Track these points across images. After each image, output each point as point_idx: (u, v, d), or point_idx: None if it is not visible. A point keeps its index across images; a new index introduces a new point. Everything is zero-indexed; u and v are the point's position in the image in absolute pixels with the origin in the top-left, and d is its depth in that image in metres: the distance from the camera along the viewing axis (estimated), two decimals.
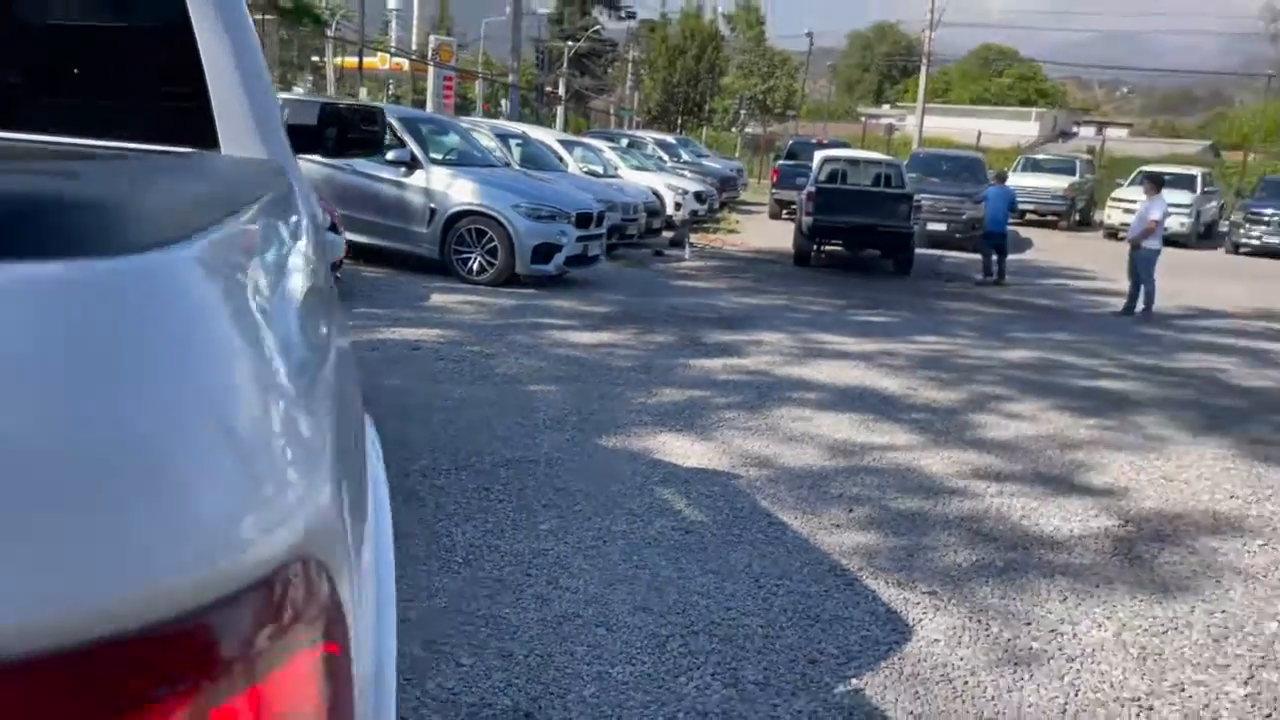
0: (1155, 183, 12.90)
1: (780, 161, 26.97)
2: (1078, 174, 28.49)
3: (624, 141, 25.57)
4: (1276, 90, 54.59)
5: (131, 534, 0.44)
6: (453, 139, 12.52)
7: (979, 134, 38.19)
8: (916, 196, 15.73)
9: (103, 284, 0.53)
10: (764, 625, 3.44)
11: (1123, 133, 60.98)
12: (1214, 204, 27.50)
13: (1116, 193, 25.91)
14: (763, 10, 64.59)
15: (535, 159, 15.45)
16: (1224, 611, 3.89)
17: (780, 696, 3.00)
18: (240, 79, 2.03)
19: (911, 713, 2.98)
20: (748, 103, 60.42)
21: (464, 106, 42.22)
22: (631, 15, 50.50)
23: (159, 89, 2.04)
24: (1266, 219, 23.61)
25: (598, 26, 59.67)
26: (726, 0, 60.29)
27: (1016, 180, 23.22)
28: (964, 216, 19.12)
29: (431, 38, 62.01)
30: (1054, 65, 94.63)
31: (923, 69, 40.02)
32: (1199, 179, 25.73)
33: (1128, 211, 23.30)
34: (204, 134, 1.98)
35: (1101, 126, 61.17)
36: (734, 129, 56.51)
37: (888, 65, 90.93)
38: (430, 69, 64.22)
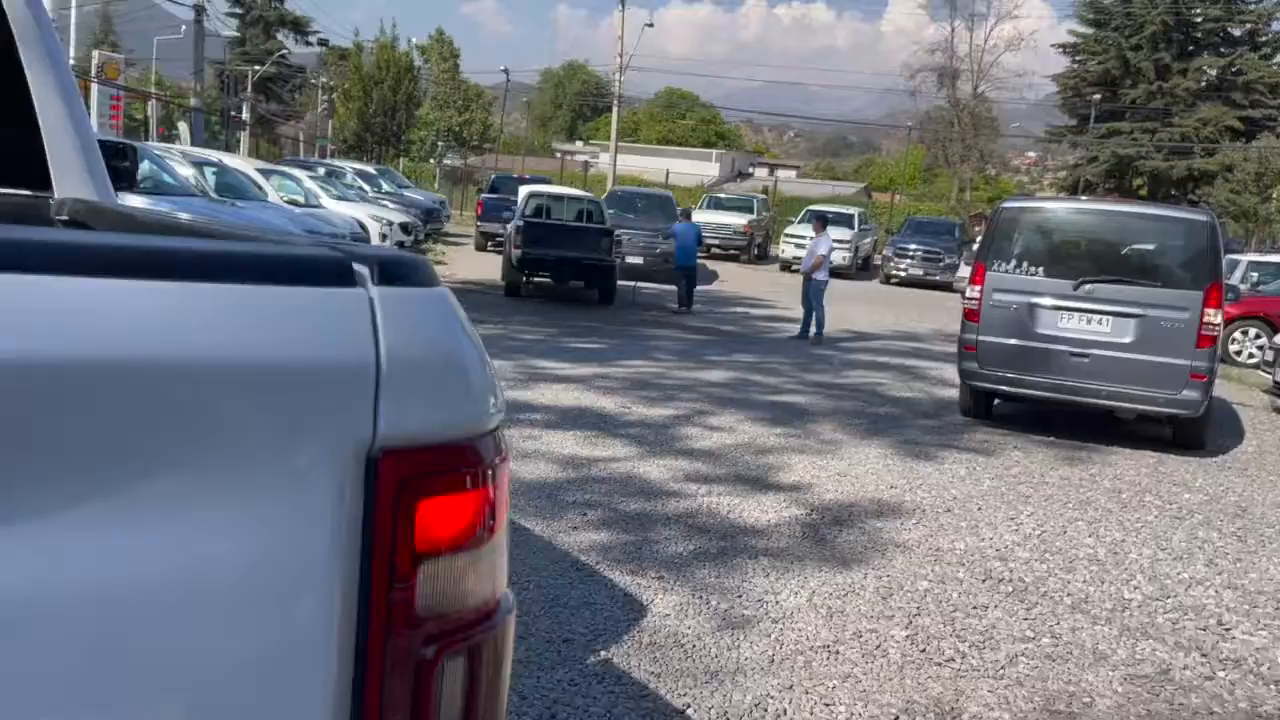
0: (822, 221, 14.61)
1: (484, 195, 27.43)
2: (755, 212, 31.07)
3: (321, 170, 25.09)
4: (916, 140, 62.10)
5: (477, 402, 0.86)
6: (145, 166, 11.96)
7: (667, 172, 40.68)
8: (616, 231, 16.75)
9: (448, 298, 0.93)
10: (520, 615, 3.86)
11: (791, 174, 66.93)
12: (869, 240, 31.02)
13: (789, 229, 28.55)
14: (456, 44, 65.18)
15: (233, 188, 14.96)
16: (888, 576, 4.76)
17: (542, 670, 3.43)
18: (70, 120, 2.20)
19: (652, 673, 3.51)
20: (444, 135, 60.61)
21: (132, 129, 39.29)
22: (324, 42, 49.20)
23: None
24: (910, 254, 27.04)
25: (284, 51, 57.60)
26: (420, 31, 59.96)
27: (701, 217, 25.09)
28: (658, 250, 20.45)
29: (95, 53, 57.15)
30: (730, 110, 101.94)
31: (614, 110, 42.09)
32: (856, 218, 28.98)
33: (799, 246, 25.83)
34: (37, 175, 2.14)
35: (773, 168, 66.86)
36: (432, 160, 56.45)
37: (579, 103, 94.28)
38: (94, 87, 59.07)
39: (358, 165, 31.14)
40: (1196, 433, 8.30)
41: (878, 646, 3.95)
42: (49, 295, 0.64)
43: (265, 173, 18.17)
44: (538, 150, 70.81)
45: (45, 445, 0.63)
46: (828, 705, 3.43)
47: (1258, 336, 15.43)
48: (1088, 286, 8.08)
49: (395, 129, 41.96)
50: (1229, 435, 9.28)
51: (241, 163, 18.46)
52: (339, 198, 21.08)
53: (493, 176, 31.48)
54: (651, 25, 40.26)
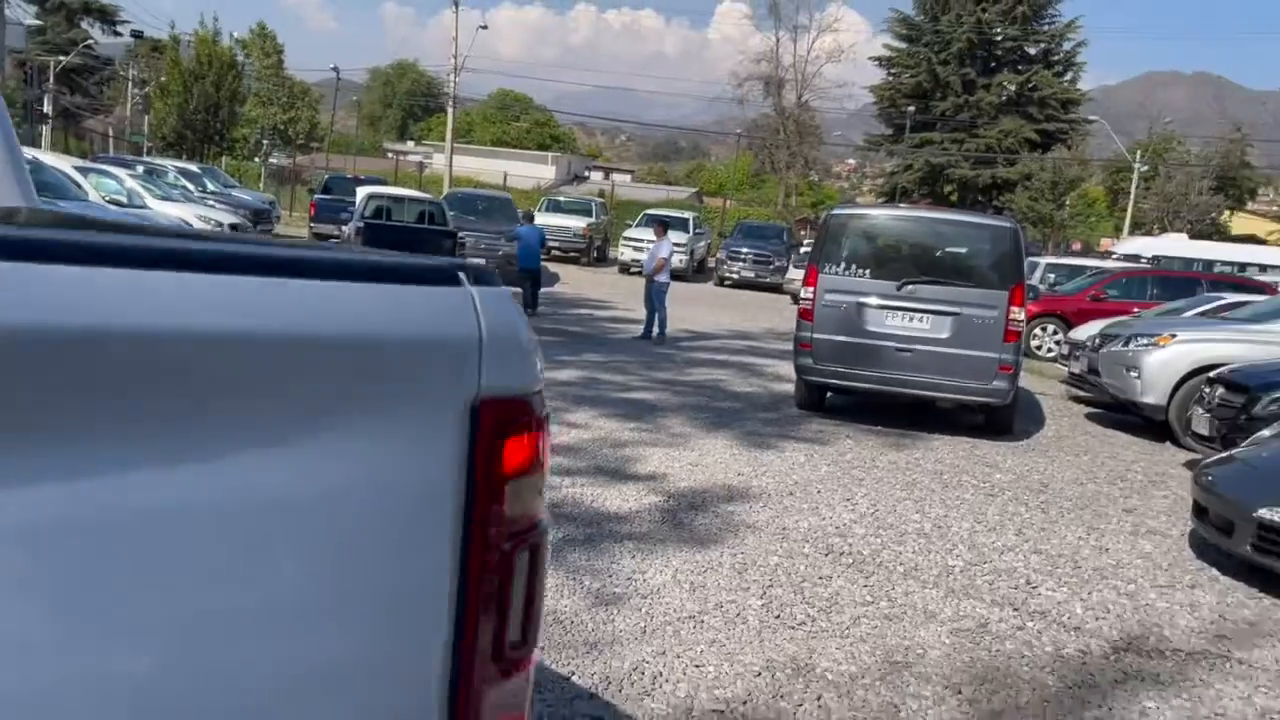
0: (663, 226, 15.10)
1: (317, 196, 26.81)
2: (594, 215, 31.51)
3: (141, 169, 23.98)
4: (744, 147, 64.11)
5: (534, 368, 1.10)
6: None
7: (505, 175, 40.67)
8: (459, 234, 16.80)
9: (511, 294, 1.17)
10: None
11: (626, 178, 67.90)
12: (704, 243, 31.97)
13: (627, 233, 29.12)
14: (280, 40, 63.02)
15: (51, 187, 14.16)
16: (742, 553, 5.17)
17: None
18: None
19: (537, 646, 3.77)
20: (269, 133, 58.52)
21: None
22: (138, 34, 46.65)
23: None
24: (743, 257, 28.08)
25: (89, 41, 54.31)
26: (239, 25, 57.84)
27: (540, 220, 25.33)
28: (500, 253, 20.57)
29: None
30: (564, 114, 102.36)
31: (450, 111, 41.73)
32: (691, 222, 29.83)
33: (637, 249, 26.44)
34: None
35: (608, 172, 67.68)
36: (256, 159, 54.45)
37: (410, 103, 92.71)
38: None
39: (179, 164, 29.82)
40: (1005, 419, 9.15)
41: (737, 615, 4.33)
42: (282, 291, 0.88)
43: (83, 170, 17.30)
44: (369, 150, 69.29)
45: (274, 396, 0.87)
46: (698, 667, 3.78)
47: (1055, 332, 16.89)
48: (909, 287, 8.80)
49: (218, 126, 40.26)
50: (1032, 421, 10.25)
51: (56, 160, 17.51)
52: (163, 197, 20.23)
53: (325, 177, 30.77)
54: (485, 27, 40.13)
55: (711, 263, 30.95)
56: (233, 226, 20.39)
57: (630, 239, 28.58)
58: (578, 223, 29.94)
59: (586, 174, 65.30)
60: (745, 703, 3.52)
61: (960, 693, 3.75)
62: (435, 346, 0.98)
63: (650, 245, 16.64)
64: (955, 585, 5.01)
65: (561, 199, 34.48)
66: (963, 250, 9.16)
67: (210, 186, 27.20)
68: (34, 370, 0.71)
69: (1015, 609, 4.74)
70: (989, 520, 6.30)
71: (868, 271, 8.93)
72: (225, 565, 0.83)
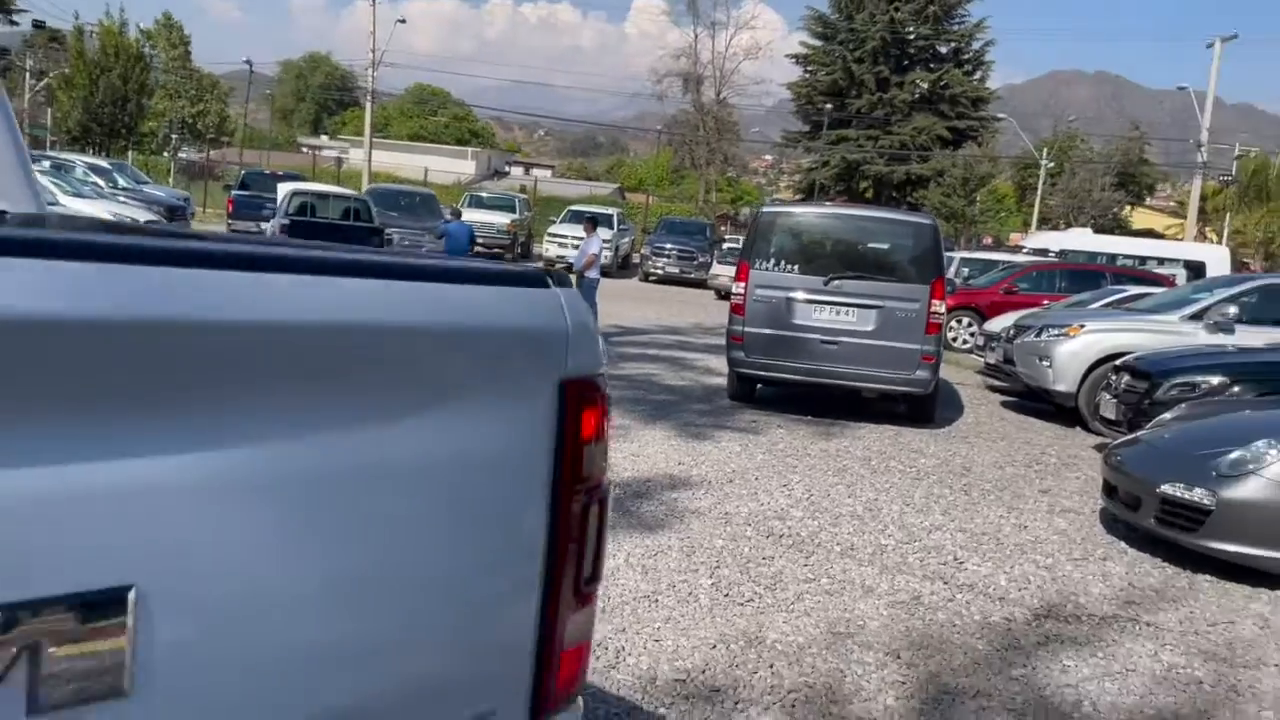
0: (593, 222, 15.29)
1: (235, 192, 26.33)
2: (518, 211, 31.53)
3: (47, 164, 23.29)
4: (665, 143, 64.52)
5: (601, 356, 1.30)
6: None
7: (426, 170, 40.36)
8: (386, 230, 16.76)
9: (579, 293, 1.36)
10: None
11: (547, 173, 67.84)
12: (628, 239, 32.24)
13: (552, 229, 29.22)
14: (187, 30, 61.41)
15: None
16: (689, 537, 5.41)
17: None
18: (10, 139, 2.41)
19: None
20: (178, 127, 57.01)
21: None
22: (40, 24, 45.04)
23: None
24: (667, 252, 28.44)
25: None
26: (144, 15, 56.23)
27: (465, 216, 25.30)
28: (425, 249, 20.54)
29: None
30: (482, 109, 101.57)
31: (368, 107, 41.26)
32: (615, 218, 30.08)
33: (562, 245, 26.57)
34: None
35: (529, 167, 67.54)
36: (165, 154, 53.04)
37: (323, 97, 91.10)
38: None
39: (87, 159, 28.99)
40: (927, 408, 9.58)
41: (690, 594, 4.57)
42: (429, 293, 1.08)
43: None
44: (283, 145, 67.94)
45: (427, 374, 1.07)
46: (657, 641, 4.00)
47: (970, 325, 17.54)
48: (836, 282, 9.16)
49: (126, 120, 39.14)
50: (952, 410, 10.71)
51: None
52: (75, 194, 19.74)
53: (242, 172, 30.22)
54: (404, 21, 39.78)
55: (636, 258, 31.23)
56: (149, 223, 19.97)
57: (555, 235, 28.67)
58: (502, 219, 29.90)
59: (507, 169, 65.11)
60: (704, 672, 3.76)
61: (899, 658, 4.05)
62: (535, 336, 1.18)
63: (579, 242, 16.79)
64: (889, 562, 5.32)
65: (485, 195, 34.40)
66: (886, 246, 9.55)
67: (121, 182, 26.53)
68: (305, 357, 0.90)
69: (945, 582, 5.07)
70: (916, 502, 6.66)
71: (796, 267, 9.26)
72: (404, 500, 1.03)
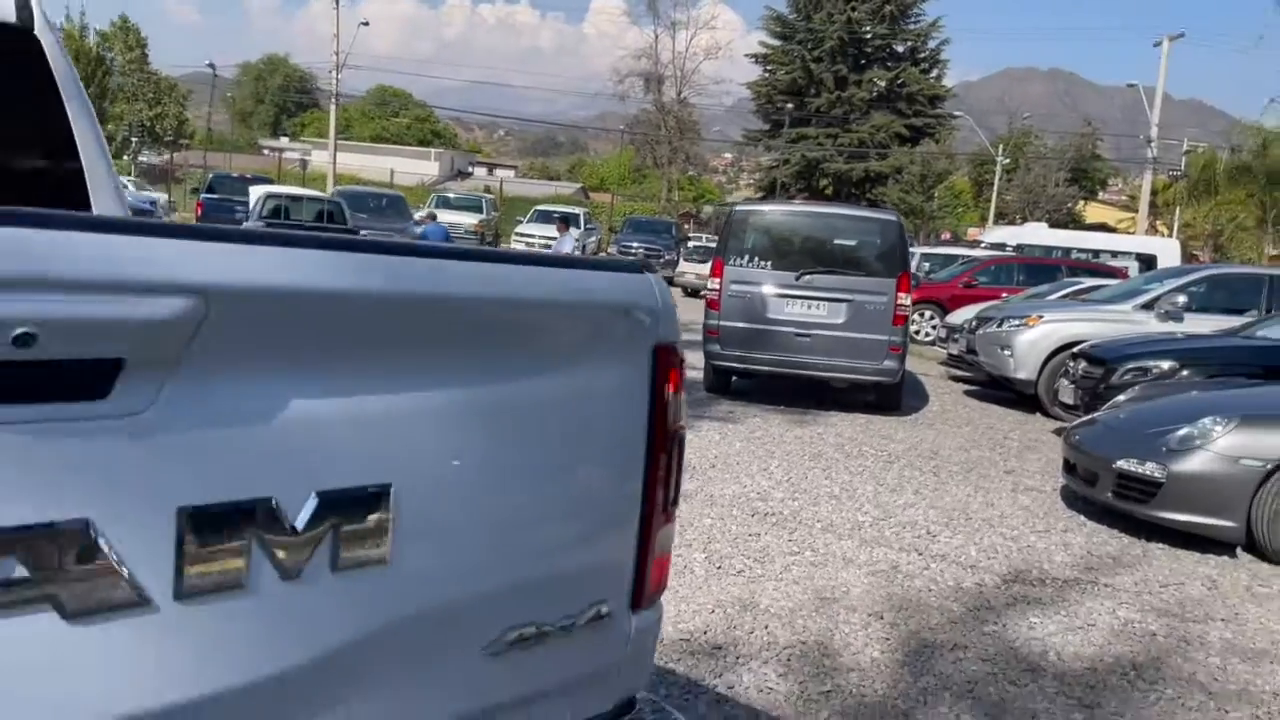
0: (565, 222, 15.62)
1: (204, 195, 26.29)
2: (484, 211, 31.75)
3: None
4: (627, 142, 64.83)
5: (678, 327, 1.64)
6: None
7: (392, 172, 40.38)
8: (360, 233, 16.94)
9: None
10: None
11: (510, 173, 67.90)
12: (594, 239, 32.53)
13: (519, 228, 29.48)
14: (143, 33, 60.82)
15: None
16: (680, 517, 5.74)
17: None
18: (99, 153, 2.70)
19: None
20: (137, 130, 56.49)
21: None
22: None
23: (46, 163, 2.64)
24: (634, 251, 28.76)
25: None
26: (103, 19, 55.44)
27: (424, 214, 25.42)
28: None
29: None
30: (443, 110, 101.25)
31: (333, 109, 41.19)
32: (582, 217, 30.32)
33: (529, 244, 26.81)
34: (81, 199, 2.64)
35: (492, 167, 67.58)
36: (125, 157, 52.54)
37: (283, 99, 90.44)
38: None
39: None
40: (894, 397, 10.00)
41: (685, 567, 4.91)
42: (573, 276, 1.40)
43: None
44: (244, 147, 67.40)
45: (570, 336, 1.39)
46: None
47: (932, 318, 18.06)
48: (807, 277, 9.54)
49: None
50: (917, 398, 11.15)
51: None
52: None
53: (210, 175, 30.13)
54: (367, 24, 39.76)
55: (603, 257, 31.54)
56: None
57: (522, 234, 28.93)
58: (469, 219, 30.11)
59: (470, 170, 65.10)
60: (705, 633, 4.10)
61: (882, 618, 4.42)
62: (637, 310, 1.50)
63: (549, 241, 17.09)
64: (867, 536, 5.70)
65: (451, 195, 34.56)
66: (853, 242, 9.96)
67: None
68: (498, 322, 1.22)
69: (920, 553, 5.45)
70: (889, 483, 7.05)
71: (769, 263, 9.63)
72: (553, 427, 1.34)
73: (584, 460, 1.44)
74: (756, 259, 9.68)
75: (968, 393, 12.23)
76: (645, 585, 1.56)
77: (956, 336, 12.82)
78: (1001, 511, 6.49)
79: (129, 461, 0.95)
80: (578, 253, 26.81)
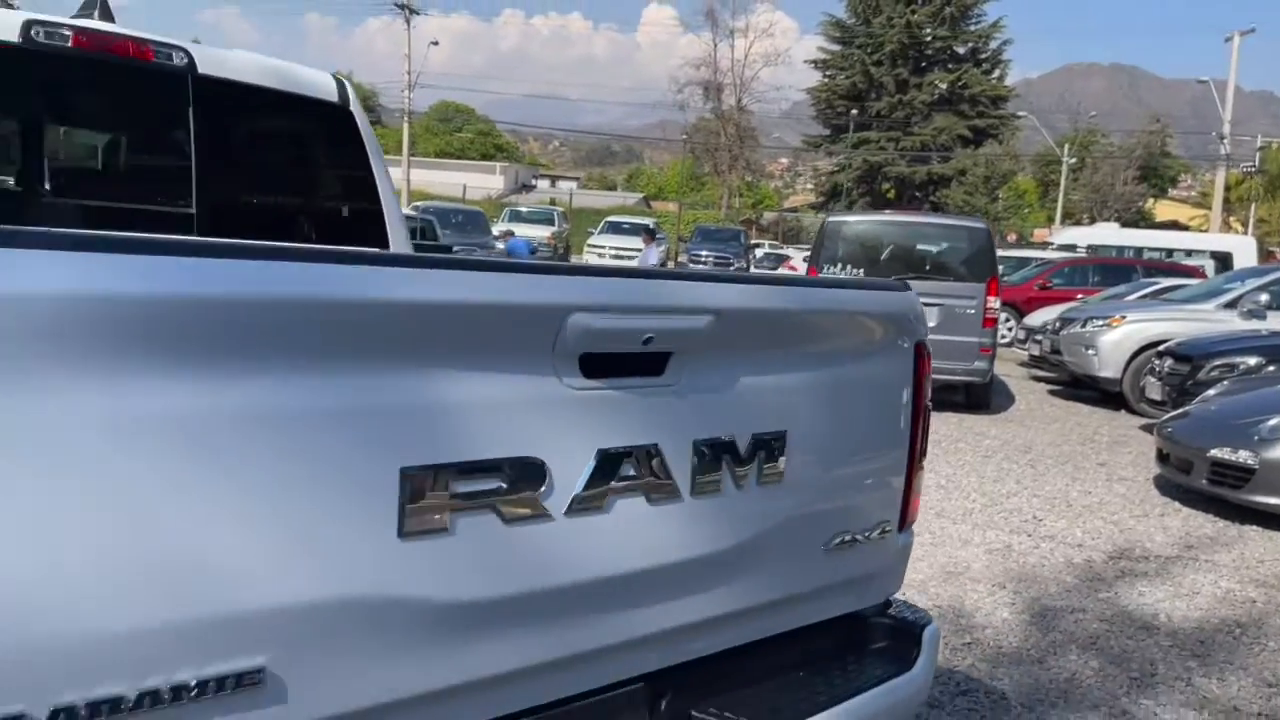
0: (650, 234, 16.29)
1: None
2: (556, 224, 32.58)
3: None
4: (688, 151, 65.49)
5: (926, 328, 2.23)
6: None
7: (464, 187, 41.46)
8: (453, 249, 17.76)
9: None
10: None
11: (573, 185, 68.90)
12: (663, 247, 33.20)
13: (591, 240, 30.22)
14: None
15: None
16: None
17: None
18: (393, 201, 3.39)
19: None
20: None
21: None
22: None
23: (359, 206, 3.34)
24: (703, 259, 29.39)
25: None
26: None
27: (502, 229, 26.19)
28: None
29: None
30: (504, 124, 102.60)
31: (405, 125, 42.49)
32: (652, 227, 31.04)
33: (600, 255, 27.54)
34: (383, 239, 3.32)
35: (554, 179, 68.64)
36: None
37: None
38: None
39: None
40: (984, 396, 10.47)
41: None
42: (844, 294, 2.01)
43: None
44: None
45: (851, 339, 1.99)
46: None
47: (1008, 320, 18.37)
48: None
49: None
50: (1004, 398, 11.59)
51: None
52: None
53: None
54: (436, 44, 40.94)
55: (671, 266, 32.18)
56: None
57: (595, 245, 29.66)
58: (542, 232, 30.90)
59: (533, 183, 66.20)
60: None
61: (1004, 588, 4.96)
62: (905, 318, 2.08)
63: (623, 252, 17.72)
64: (978, 521, 6.23)
65: (523, 209, 35.45)
66: (943, 249, 10.46)
67: None
68: (815, 329, 1.84)
69: (1029, 535, 5.97)
70: (990, 475, 7.55)
71: (861, 270, 10.17)
72: (859, 401, 1.94)
73: (879, 422, 2.02)
74: (849, 267, 10.23)
75: (1052, 392, 12.62)
76: (909, 513, 2.15)
77: (1037, 338, 13.21)
78: (1100, 499, 6.96)
79: (672, 411, 1.56)
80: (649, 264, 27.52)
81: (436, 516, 1.30)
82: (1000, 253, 25.36)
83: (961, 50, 58.19)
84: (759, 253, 32.29)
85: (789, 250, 35.42)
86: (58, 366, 1.02)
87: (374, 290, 1.24)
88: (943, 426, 9.46)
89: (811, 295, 1.87)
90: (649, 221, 32.03)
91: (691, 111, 67.85)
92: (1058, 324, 12.26)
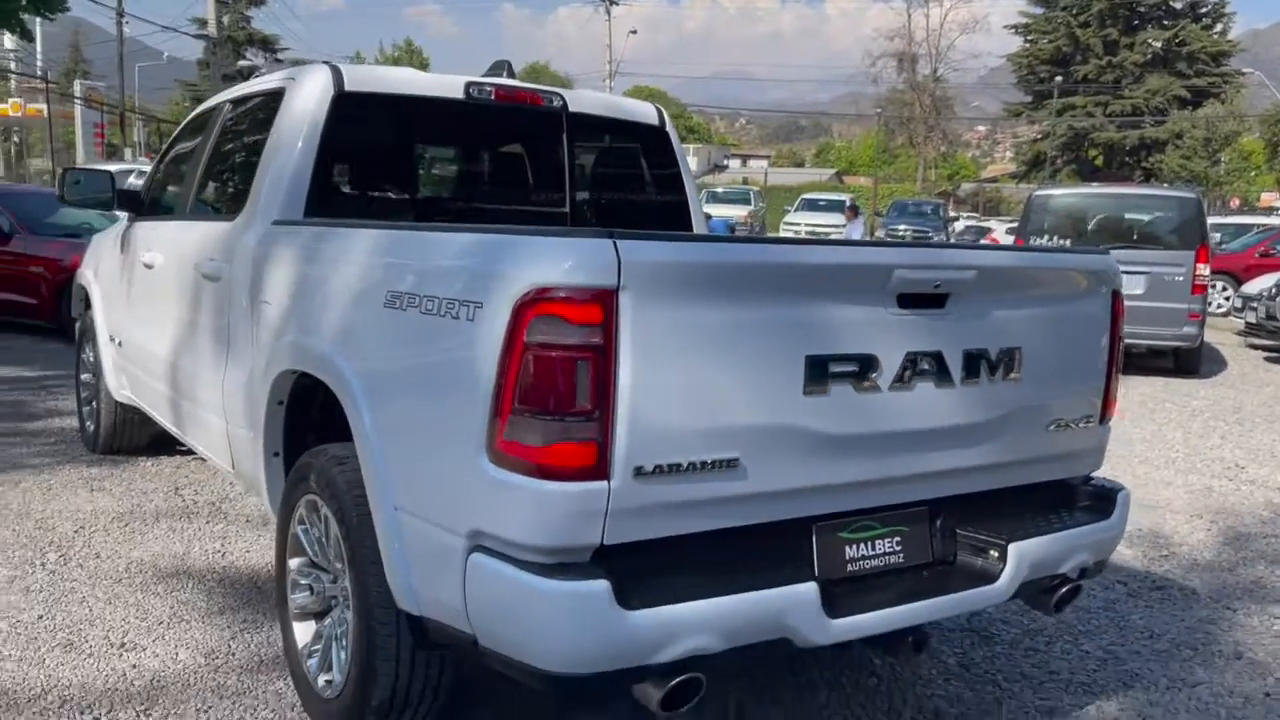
0: (854, 210, 16.95)
1: None
2: (752, 202, 33.41)
3: None
4: (882, 124, 64.75)
5: (1121, 280, 3.13)
6: None
7: None
8: None
9: None
10: None
11: (763, 163, 69.40)
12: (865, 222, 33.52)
13: (788, 217, 30.89)
14: (425, 53, 66.73)
15: None
16: None
17: None
18: (694, 193, 4.47)
19: None
20: None
21: (111, 152, 40.97)
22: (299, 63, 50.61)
23: (671, 199, 4.45)
24: (901, 234, 29.53)
25: (257, 67, 58.92)
26: (367, 44, 61.11)
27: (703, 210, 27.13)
28: None
29: (77, 82, 57.94)
30: (695, 107, 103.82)
31: None
32: (847, 203, 31.39)
33: (797, 233, 28.17)
34: (688, 224, 4.41)
35: (745, 158, 69.33)
36: None
37: None
38: (78, 113, 59.53)
39: None
40: (1193, 361, 10.73)
41: None
42: (1078, 256, 2.92)
43: None
44: None
45: (1066, 289, 2.91)
46: None
47: (1224, 289, 17.98)
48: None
49: None
50: (1215, 364, 11.74)
51: None
52: None
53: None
54: (635, 32, 42.44)
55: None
56: None
57: (791, 223, 30.34)
58: (739, 211, 31.72)
59: (726, 163, 67.10)
60: None
61: (1201, 518, 5.60)
62: (1106, 273, 2.92)
63: (837, 228, 18.36)
64: (1180, 467, 6.81)
65: (719, 189, 36.44)
66: (1151, 219, 10.78)
67: None
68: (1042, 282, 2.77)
69: (1230, 479, 6.52)
70: (1195, 430, 8.02)
71: (1069, 242, 10.64)
72: (1073, 332, 2.82)
73: (1086, 343, 2.88)
74: (1057, 238, 10.71)
75: (1268, 359, 12.60)
76: (1107, 410, 3.01)
77: (1254, 305, 13.15)
78: None
79: (949, 331, 2.54)
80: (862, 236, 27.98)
81: (821, 383, 2.33)
82: (1219, 219, 24.62)
83: (1178, 4, 54.94)
84: (959, 225, 32.07)
85: (991, 223, 34.94)
86: (668, 297, 2.11)
87: (797, 258, 2.30)
88: (1148, 389, 9.87)
89: (1038, 257, 2.78)
90: (848, 198, 32.39)
91: (884, 84, 67.01)
92: (1275, 290, 12.23)
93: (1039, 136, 58.17)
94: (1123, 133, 53.72)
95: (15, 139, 63.68)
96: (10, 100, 52.77)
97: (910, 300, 2.45)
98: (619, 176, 4.45)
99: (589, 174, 4.38)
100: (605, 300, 2.04)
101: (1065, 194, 11.60)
